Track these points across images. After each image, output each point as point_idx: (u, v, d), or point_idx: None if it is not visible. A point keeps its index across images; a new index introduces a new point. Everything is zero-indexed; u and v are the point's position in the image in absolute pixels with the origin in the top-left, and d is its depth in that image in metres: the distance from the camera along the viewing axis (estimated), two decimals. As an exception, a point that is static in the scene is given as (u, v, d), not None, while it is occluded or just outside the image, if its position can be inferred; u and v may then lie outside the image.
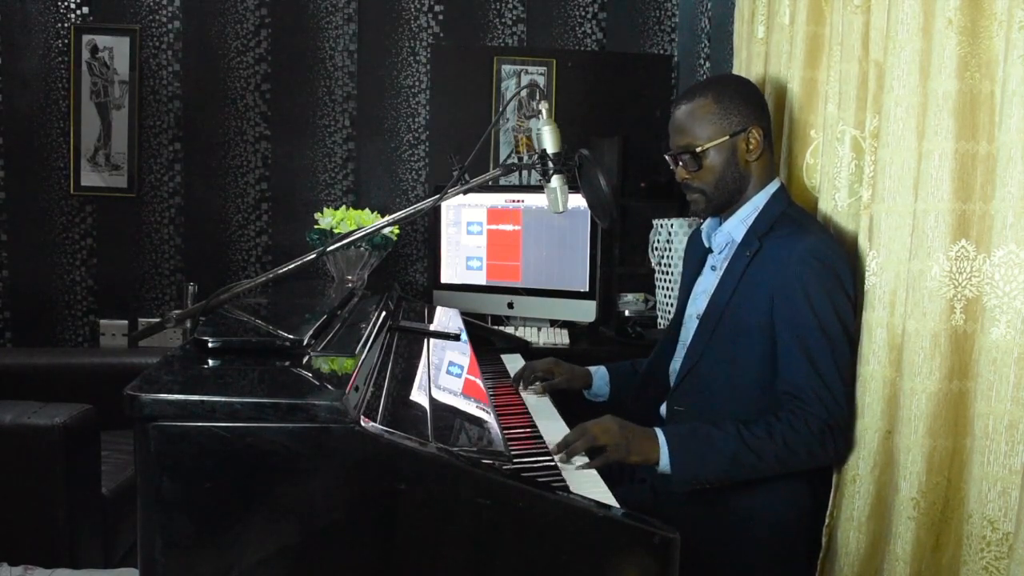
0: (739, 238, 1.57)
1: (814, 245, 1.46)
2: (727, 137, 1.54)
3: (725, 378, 1.52)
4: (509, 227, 2.62)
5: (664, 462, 1.38)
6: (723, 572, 1.49)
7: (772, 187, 1.58)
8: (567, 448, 1.38)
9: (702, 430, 1.42)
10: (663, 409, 1.66)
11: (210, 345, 1.15)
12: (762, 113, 1.58)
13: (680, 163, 1.58)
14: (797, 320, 1.44)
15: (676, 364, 1.67)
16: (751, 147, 1.55)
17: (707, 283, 1.62)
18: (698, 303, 1.63)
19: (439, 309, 2.16)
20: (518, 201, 2.61)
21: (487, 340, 2.42)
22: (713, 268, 1.63)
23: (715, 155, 1.54)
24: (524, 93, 2.95)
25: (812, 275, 1.44)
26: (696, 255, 1.72)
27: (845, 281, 1.46)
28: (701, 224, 1.70)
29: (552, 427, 1.57)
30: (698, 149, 1.54)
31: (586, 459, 1.38)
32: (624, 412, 1.50)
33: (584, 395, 1.88)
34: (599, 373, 1.84)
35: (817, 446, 1.41)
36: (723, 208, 1.60)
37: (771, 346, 1.47)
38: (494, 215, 2.64)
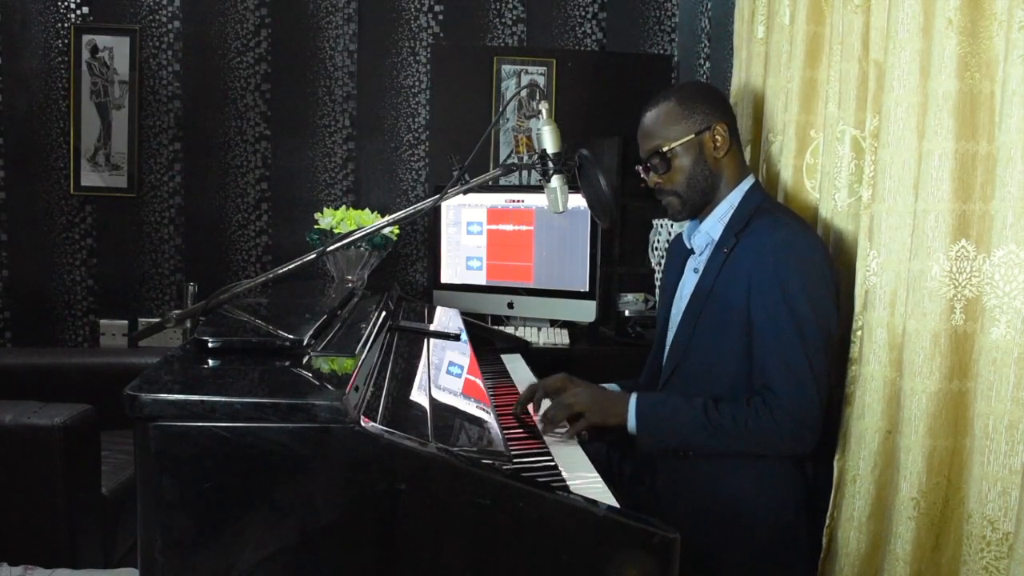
0: (717, 236, 1.58)
1: (788, 236, 1.47)
2: (692, 135, 1.57)
3: (708, 372, 1.54)
4: (519, 227, 2.61)
5: (631, 423, 1.48)
6: (720, 566, 1.49)
7: (746, 184, 1.60)
8: (549, 420, 1.48)
9: (673, 400, 1.50)
10: None
11: (210, 345, 1.15)
12: (725, 111, 1.61)
13: (650, 168, 1.61)
14: (771, 311, 1.45)
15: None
16: (718, 144, 1.57)
17: (691, 285, 1.63)
18: (682, 305, 1.63)
19: (439, 309, 2.16)
20: (518, 201, 2.61)
21: (487, 340, 2.42)
22: (695, 271, 1.63)
23: (683, 154, 1.57)
24: (524, 93, 2.95)
25: (787, 266, 1.45)
26: (678, 258, 1.74)
27: (821, 271, 1.46)
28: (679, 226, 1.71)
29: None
30: (665, 149, 1.57)
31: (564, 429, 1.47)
32: None
33: None
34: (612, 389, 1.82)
35: (784, 439, 1.43)
36: (698, 209, 1.62)
37: (749, 338, 1.49)
38: (494, 215, 2.64)
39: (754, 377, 1.48)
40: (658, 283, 2.50)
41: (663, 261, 2.27)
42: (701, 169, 1.58)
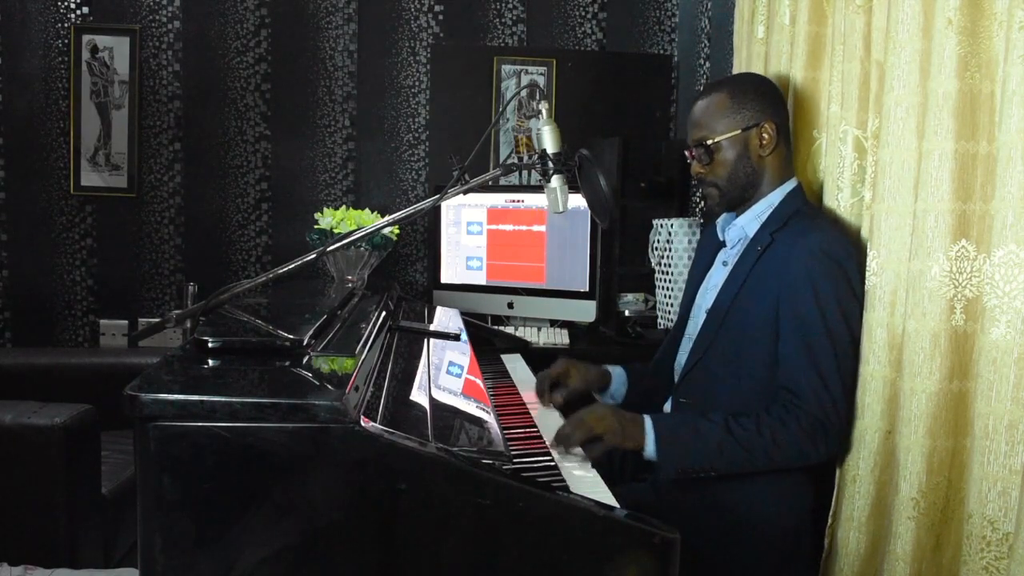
0: (752, 233, 1.58)
1: (825, 241, 1.46)
2: (739, 131, 1.55)
3: (730, 371, 1.53)
4: (529, 228, 2.60)
5: (650, 449, 1.40)
6: (724, 571, 1.49)
7: (788, 185, 1.59)
8: (566, 440, 1.38)
9: (690, 419, 1.44)
10: (667, 404, 1.66)
11: (210, 345, 1.15)
12: (777, 109, 1.59)
13: (695, 157, 1.60)
14: (802, 316, 1.44)
15: (683, 358, 1.66)
16: (764, 142, 1.56)
17: (718, 277, 1.63)
18: (708, 297, 1.63)
19: (439, 309, 2.16)
20: (518, 201, 2.60)
21: (487, 340, 2.42)
22: (725, 263, 1.63)
23: (728, 148, 1.56)
24: (524, 93, 2.95)
25: (821, 271, 1.44)
26: (709, 248, 1.73)
27: (854, 280, 1.46)
28: (713, 219, 1.71)
29: (552, 426, 1.56)
30: (710, 142, 1.56)
31: (581, 453, 1.39)
32: (630, 408, 1.50)
33: (596, 397, 1.83)
34: (616, 373, 1.79)
35: (807, 443, 1.40)
36: (736, 203, 1.61)
37: (776, 341, 1.48)
38: (494, 215, 2.64)
39: (778, 380, 1.46)
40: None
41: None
42: (744, 165, 1.56)
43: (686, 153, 1.63)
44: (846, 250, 1.47)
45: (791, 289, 1.45)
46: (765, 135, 1.55)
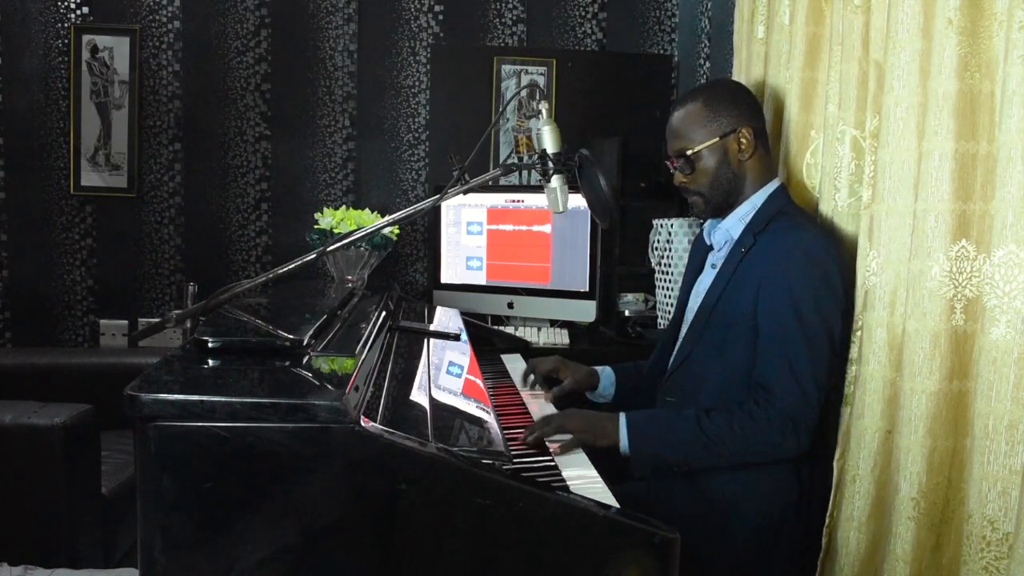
0: (737, 235, 1.59)
1: (803, 240, 1.48)
2: (717, 139, 1.57)
3: (715, 370, 1.55)
4: (534, 228, 2.59)
5: (624, 444, 1.45)
6: (711, 565, 1.49)
7: (771, 186, 1.61)
8: (534, 435, 1.43)
9: (663, 415, 1.51)
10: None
11: (210, 345, 1.15)
12: (753, 113, 1.61)
13: (676, 167, 1.62)
14: (777, 313, 1.46)
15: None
16: (743, 147, 1.58)
17: (707, 281, 1.65)
18: (698, 300, 1.65)
19: (439, 309, 2.16)
20: (518, 201, 2.60)
21: (487, 340, 2.42)
22: (713, 266, 1.66)
23: (708, 157, 1.58)
24: (524, 93, 2.95)
25: (797, 270, 1.46)
26: (698, 254, 1.75)
27: (833, 280, 1.47)
28: (703, 224, 1.73)
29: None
30: (690, 152, 1.59)
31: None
32: (621, 407, 1.54)
33: (587, 396, 1.87)
34: (605, 373, 1.84)
35: (777, 438, 1.43)
36: (722, 209, 1.63)
37: (757, 339, 1.49)
38: (494, 215, 2.64)
39: (754, 376, 1.48)
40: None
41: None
42: (725, 171, 1.59)
43: (667, 164, 1.66)
44: (825, 249, 1.48)
45: (768, 287, 1.48)
46: (743, 140, 1.58)
